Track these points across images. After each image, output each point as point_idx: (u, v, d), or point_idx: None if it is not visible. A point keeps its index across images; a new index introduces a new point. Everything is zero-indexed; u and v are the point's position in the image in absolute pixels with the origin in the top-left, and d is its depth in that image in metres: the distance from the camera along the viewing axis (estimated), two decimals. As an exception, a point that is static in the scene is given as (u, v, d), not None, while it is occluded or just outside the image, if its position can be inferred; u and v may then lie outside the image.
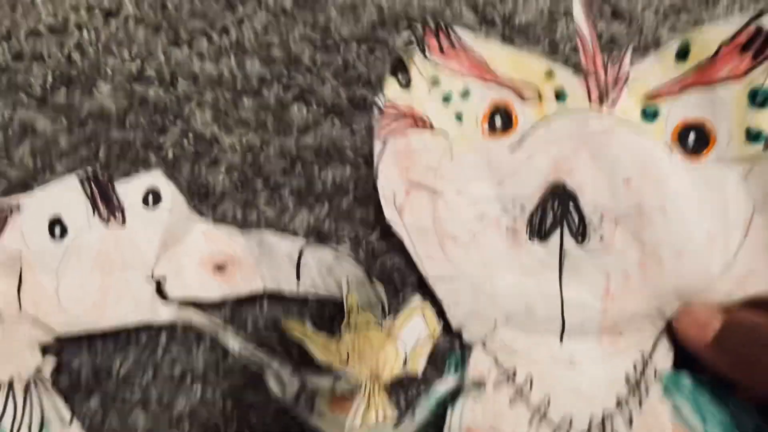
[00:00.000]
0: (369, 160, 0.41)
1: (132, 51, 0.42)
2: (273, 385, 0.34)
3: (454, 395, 0.35)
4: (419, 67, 0.37)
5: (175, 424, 0.36)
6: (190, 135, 0.41)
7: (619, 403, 0.33)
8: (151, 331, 0.37)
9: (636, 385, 0.33)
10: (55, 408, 0.35)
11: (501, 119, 0.36)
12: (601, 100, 0.34)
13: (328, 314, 0.38)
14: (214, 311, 0.37)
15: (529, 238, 0.35)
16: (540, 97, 0.35)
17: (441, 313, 0.36)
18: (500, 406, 0.34)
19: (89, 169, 0.38)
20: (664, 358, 0.33)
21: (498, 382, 0.34)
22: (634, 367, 0.33)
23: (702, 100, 0.33)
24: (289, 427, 0.35)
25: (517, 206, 0.35)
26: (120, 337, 0.37)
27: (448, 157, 0.36)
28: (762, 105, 0.31)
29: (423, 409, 0.34)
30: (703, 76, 0.32)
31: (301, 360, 0.36)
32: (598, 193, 0.33)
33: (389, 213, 0.37)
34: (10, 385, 0.35)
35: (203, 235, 0.38)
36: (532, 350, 0.35)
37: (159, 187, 0.38)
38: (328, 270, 0.37)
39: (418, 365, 0.36)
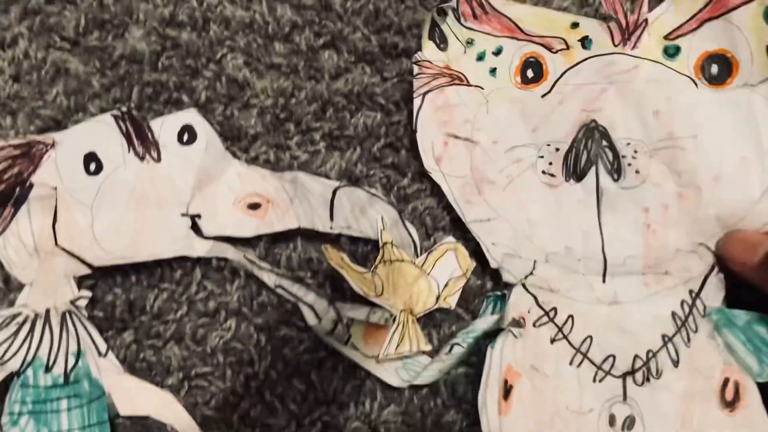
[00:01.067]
0: (400, 106, 0.41)
1: (164, -4, 0.42)
2: (309, 317, 0.35)
3: (492, 334, 0.35)
4: (455, 31, 0.38)
5: (208, 358, 0.36)
6: (223, 78, 0.41)
7: (664, 342, 0.33)
8: (185, 266, 0.37)
9: (683, 323, 0.33)
10: (91, 339, 0.35)
11: (533, 71, 0.37)
12: (624, 42, 0.35)
13: (361, 253, 0.38)
14: (249, 249, 0.37)
15: (566, 180, 0.35)
16: (567, 46, 0.36)
17: (479, 254, 0.37)
18: (541, 346, 0.34)
19: (125, 107, 0.39)
20: (714, 296, 0.33)
21: (539, 322, 0.35)
22: (682, 305, 0.33)
23: (719, 31, 0.33)
24: (323, 360, 0.36)
25: (552, 149, 0.36)
26: (154, 273, 0.37)
27: (483, 110, 0.37)
28: None
29: (460, 346, 0.34)
30: (717, 8, 0.33)
31: (334, 296, 0.36)
32: (630, 127, 0.34)
33: (428, 162, 0.38)
34: (47, 316, 0.35)
35: (237, 175, 0.38)
36: (573, 290, 0.35)
37: (194, 125, 0.38)
38: (361, 210, 0.38)
39: (452, 300, 0.36)
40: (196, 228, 0.37)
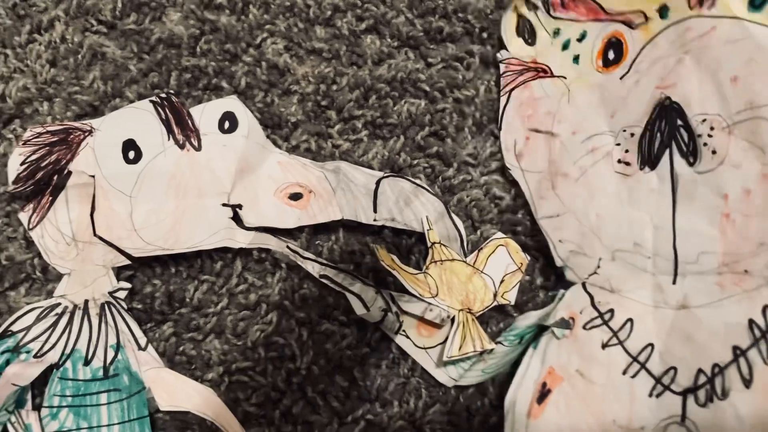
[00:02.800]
0: (445, 93, 0.39)
1: (202, -22, 0.41)
2: (356, 307, 0.33)
3: (537, 333, 0.34)
4: (543, 23, 0.38)
5: (249, 352, 0.35)
6: (263, 64, 0.40)
7: (735, 356, 0.28)
8: (226, 258, 0.36)
9: (763, 334, 0.28)
10: (131, 332, 0.34)
11: (614, 52, 0.35)
12: (701, 1, 0.31)
13: (405, 246, 0.37)
14: (290, 240, 0.36)
15: (640, 168, 0.33)
16: (646, 19, 0.34)
17: (546, 251, 0.36)
18: (590, 350, 0.32)
19: (164, 93, 0.38)
20: None
21: (590, 324, 0.32)
22: (764, 312, 0.28)
23: None
24: (366, 356, 0.35)
25: (627, 135, 0.34)
26: (194, 264, 0.36)
27: (565, 99, 0.36)
28: None
29: (502, 344, 0.33)
30: None
31: (380, 288, 0.35)
32: (706, 101, 0.31)
33: (509, 159, 0.37)
34: (86, 308, 0.34)
35: (279, 164, 0.37)
36: (637, 290, 0.32)
37: (235, 112, 0.37)
38: (405, 202, 0.36)
39: (510, 296, 0.35)
40: (236, 218, 0.36)
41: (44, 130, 0.36)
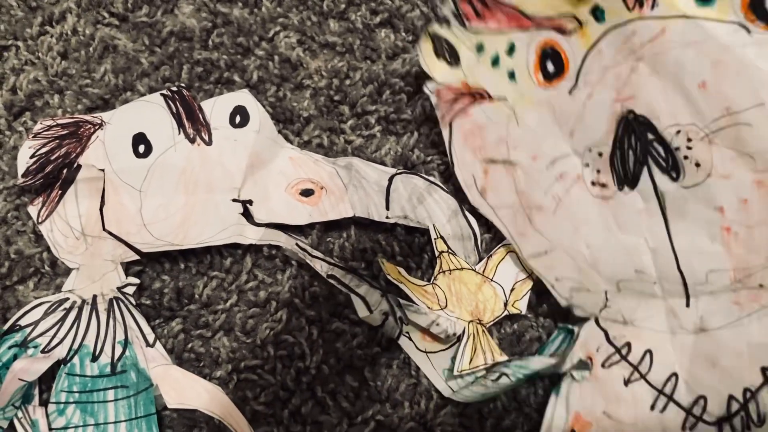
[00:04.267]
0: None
1: (215, -30, 0.40)
2: (359, 309, 0.33)
3: (557, 376, 0.32)
4: (462, 39, 0.34)
5: (258, 350, 0.34)
6: (275, 58, 0.39)
7: (766, 378, 0.27)
8: (235, 254, 0.36)
9: None
10: (139, 328, 0.34)
11: (552, 63, 0.31)
12: (641, 1, 0.28)
13: (418, 244, 0.36)
14: (301, 237, 0.36)
15: (619, 188, 0.30)
16: (580, 23, 0.30)
17: (546, 293, 0.34)
18: (613, 389, 0.30)
19: (175, 86, 0.37)
20: None
21: (608, 361, 0.30)
22: None
23: None
24: (377, 356, 0.34)
25: (595, 155, 0.30)
26: (203, 260, 0.36)
27: (513, 122, 0.33)
28: None
29: (509, 378, 0.30)
30: None
31: (389, 288, 0.34)
32: (675, 110, 0.28)
33: (473, 197, 0.35)
34: (94, 303, 0.34)
35: (290, 160, 0.37)
36: (651, 318, 0.30)
37: (247, 106, 0.36)
38: (418, 199, 0.36)
39: (521, 305, 0.34)
40: (247, 214, 0.35)
41: (54, 123, 0.36)
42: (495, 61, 0.33)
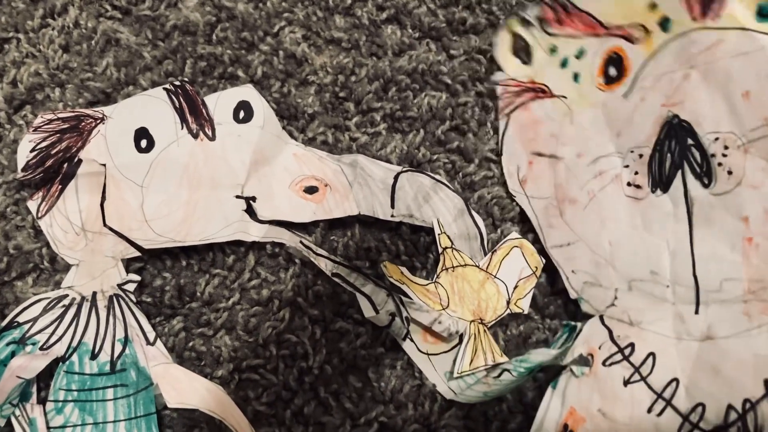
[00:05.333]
0: (467, 87, 0.38)
1: (219, -36, 0.40)
2: (365, 308, 0.32)
3: (556, 370, 0.32)
4: (539, 40, 0.36)
5: (260, 350, 0.34)
6: (280, 53, 0.39)
7: None
8: (238, 252, 0.35)
9: None
10: (139, 326, 0.33)
11: (615, 68, 0.33)
12: (704, 12, 0.30)
13: (423, 243, 0.35)
14: (305, 234, 0.35)
15: (652, 191, 0.31)
16: (647, 32, 0.32)
17: (553, 294, 0.34)
18: (612, 388, 0.30)
19: (178, 80, 0.37)
20: None
21: (610, 360, 0.31)
22: None
23: None
24: (380, 357, 0.34)
25: (635, 156, 0.32)
26: (206, 257, 0.35)
27: (568, 120, 0.35)
28: None
29: (510, 373, 0.30)
30: None
31: (394, 287, 0.33)
32: (717, 118, 0.29)
33: (513, 185, 0.36)
34: (94, 300, 0.34)
35: (294, 156, 0.36)
36: (659, 322, 0.30)
37: (251, 101, 0.36)
38: (424, 198, 0.35)
39: (524, 304, 0.34)
40: (250, 211, 0.35)
41: (55, 117, 0.35)
42: (564, 63, 0.35)
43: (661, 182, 0.31)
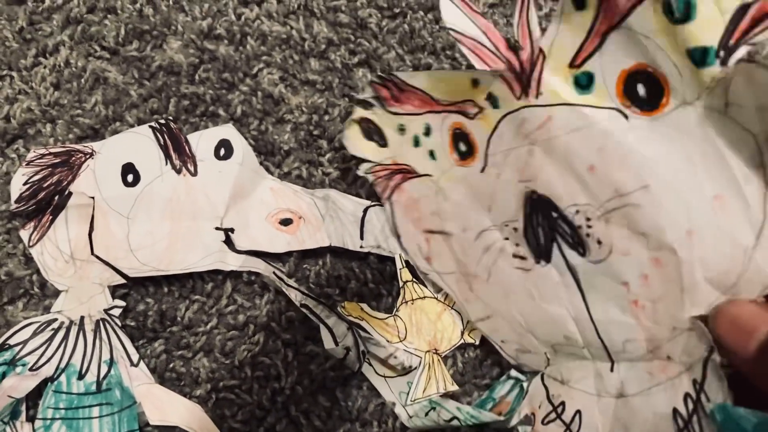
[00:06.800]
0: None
1: (203, 9, 0.43)
2: (326, 339, 0.35)
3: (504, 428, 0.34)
4: (385, 120, 0.36)
5: (236, 371, 0.36)
6: (258, 93, 0.41)
7: None
8: (216, 279, 0.38)
9: (686, 425, 0.26)
10: (124, 348, 0.36)
11: (464, 143, 0.33)
12: (525, 91, 0.29)
13: (389, 272, 0.38)
14: (279, 263, 0.38)
15: (536, 261, 0.31)
16: (480, 109, 0.31)
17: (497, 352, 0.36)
18: None
19: (163, 119, 0.39)
20: (717, 386, 0.25)
21: (547, 419, 0.32)
22: (685, 400, 0.27)
23: (626, 43, 0.26)
24: (348, 378, 0.36)
25: (511, 230, 0.32)
26: (186, 284, 0.38)
27: (441, 197, 0.35)
28: (685, 16, 0.23)
29: (459, 422, 0.33)
30: (610, 15, 0.26)
31: (353, 323, 0.36)
32: (572, 191, 0.29)
33: (422, 265, 0.37)
34: (81, 324, 0.36)
35: (271, 190, 0.39)
36: (583, 380, 0.31)
37: (231, 139, 0.39)
38: (391, 230, 0.38)
39: (476, 335, 0.37)
40: (229, 242, 0.37)
41: (47, 152, 0.38)
42: (416, 142, 0.35)
43: (541, 253, 0.31)
